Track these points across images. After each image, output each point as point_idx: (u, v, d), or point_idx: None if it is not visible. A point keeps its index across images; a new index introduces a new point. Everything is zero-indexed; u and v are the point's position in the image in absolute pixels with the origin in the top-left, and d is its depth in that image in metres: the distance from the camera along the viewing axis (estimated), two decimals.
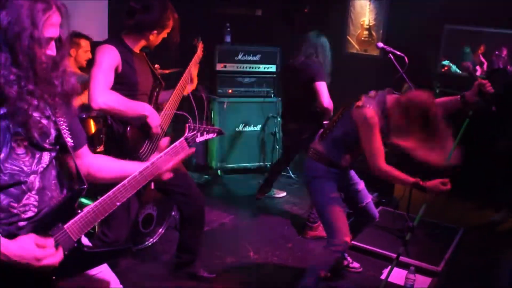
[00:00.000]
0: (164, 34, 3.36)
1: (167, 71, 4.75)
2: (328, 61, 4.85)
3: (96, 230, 3.71)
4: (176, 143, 2.24)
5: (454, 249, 4.53)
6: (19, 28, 1.70)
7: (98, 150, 4.01)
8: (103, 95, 3.02)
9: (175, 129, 3.41)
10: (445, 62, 3.22)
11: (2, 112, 1.75)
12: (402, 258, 4.01)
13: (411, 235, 3.44)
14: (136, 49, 3.31)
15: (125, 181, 2.03)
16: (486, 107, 3.23)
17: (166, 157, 2.15)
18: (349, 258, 4.18)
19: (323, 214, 3.46)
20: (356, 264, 4.18)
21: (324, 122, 4.76)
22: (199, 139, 2.36)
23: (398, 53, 4.11)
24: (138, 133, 3.24)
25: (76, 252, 1.91)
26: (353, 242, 4.26)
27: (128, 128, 3.20)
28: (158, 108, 3.37)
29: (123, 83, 3.19)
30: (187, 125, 2.33)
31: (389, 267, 3.48)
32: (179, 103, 3.48)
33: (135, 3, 3.21)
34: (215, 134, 2.45)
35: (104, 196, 1.98)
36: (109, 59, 3.11)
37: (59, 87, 1.87)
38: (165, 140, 2.23)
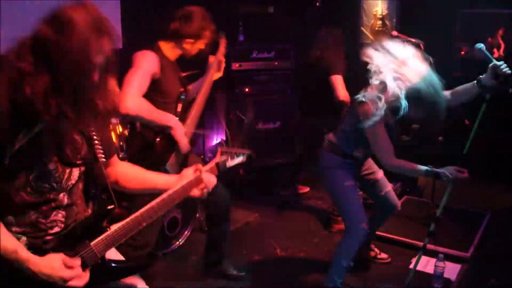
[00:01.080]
0: (200, 45, 3.40)
1: (184, 74, 4.76)
2: (342, 56, 4.84)
3: None
4: (207, 166, 2.26)
5: (483, 234, 4.48)
6: (67, 52, 1.62)
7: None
8: (134, 100, 3.05)
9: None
10: (479, 46, 3.14)
11: (38, 129, 1.73)
12: (430, 246, 4.01)
13: (435, 225, 3.40)
14: (172, 58, 3.37)
15: (153, 203, 2.03)
16: (503, 89, 3.17)
17: (196, 181, 2.15)
18: (376, 249, 4.15)
19: (338, 203, 3.49)
20: (383, 255, 4.16)
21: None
22: (229, 163, 2.38)
23: (413, 40, 4.06)
24: (167, 144, 3.26)
25: (100, 268, 1.92)
26: (379, 232, 4.26)
27: (158, 139, 3.23)
28: (183, 116, 3.39)
29: (159, 91, 3.23)
30: (219, 149, 2.35)
31: (417, 256, 3.46)
32: (207, 96, 3.52)
33: (176, 11, 3.29)
34: (245, 159, 2.46)
35: (132, 216, 1.98)
36: (148, 65, 3.16)
37: (101, 106, 1.83)
38: (197, 160, 2.21)
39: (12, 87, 1.65)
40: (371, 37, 7.03)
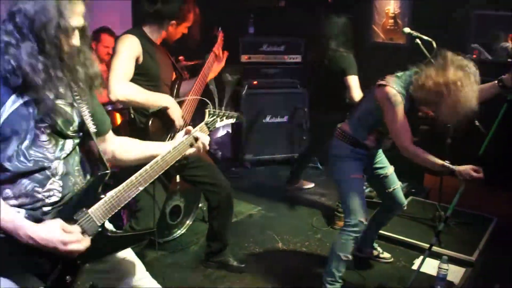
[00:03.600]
0: (183, 28, 3.38)
1: (191, 63, 4.74)
2: (351, 43, 4.80)
3: (124, 223, 3.72)
4: (197, 127, 2.26)
5: (488, 239, 4.43)
6: (46, 18, 1.73)
7: None
8: (122, 86, 3.02)
9: (194, 119, 3.40)
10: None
11: (26, 99, 1.78)
12: (435, 248, 3.95)
13: (444, 225, 3.36)
14: (157, 41, 3.32)
15: (147, 166, 2.06)
16: None
17: (188, 141, 2.18)
18: (379, 248, 4.11)
19: (341, 193, 3.44)
20: (386, 254, 4.11)
21: None
22: (219, 124, 2.39)
23: (426, 37, 4.01)
24: (161, 125, 3.23)
25: (100, 237, 1.93)
26: (383, 232, 4.22)
27: (150, 121, 3.20)
28: (179, 99, 3.37)
29: (144, 74, 3.19)
30: (206, 110, 2.36)
31: (421, 257, 3.41)
32: (201, 93, 3.46)
33: None
34: (234, 120, 2.47)
35: (127, 181, 2.00)
36: (129, 49, 3.12)
37: (82, 73, 1.91)
38: (188, 128, 2.22)
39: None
40: (382, 35, 6.97)
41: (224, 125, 2.47)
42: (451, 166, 3.03)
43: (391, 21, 6.89)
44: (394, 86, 3.10)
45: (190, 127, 2.22)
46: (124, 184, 1.99)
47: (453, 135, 4.52)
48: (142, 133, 3.19)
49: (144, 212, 3.35)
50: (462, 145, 4.15)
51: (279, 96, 6.39)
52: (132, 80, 3.09)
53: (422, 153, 3.11)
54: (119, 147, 2.23)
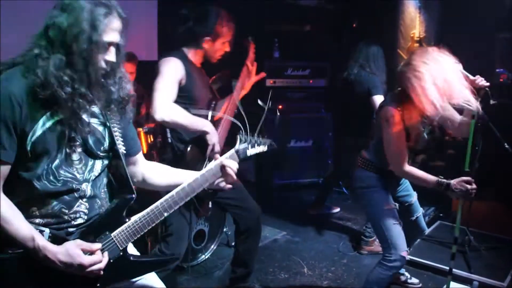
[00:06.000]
0: (221, 45, 3.37)
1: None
2: (382, 70, 4.76)
3: (149, 246, 3.71)
4: (226, 154, 2.20)
5: None
6: (77, 30, 1.71)
7: None
8: (167, 107, 3.05)
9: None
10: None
11: (59, 118, 1.77)
12: (464, 274, 3.94)
13: (457, 247, 3.30)
14: (197, 63, 3.36)
15: (173, 192, 2.03)
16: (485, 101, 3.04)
17: (216, 169, 2.12)
18: (407, 274, 4.02)
19: (377, 227, 3.31)
20: (414, 280, 4.02)
21: None
22: (250, 151, 2.29)
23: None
24: (198, 152, 3.24)
25: (121, 261, 1.92)
26: (411, 256, 4.13)
27: (189, 147, 3.22)
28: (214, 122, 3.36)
29: (184, 97, 3.22)
30: (238, 136, 2.29)
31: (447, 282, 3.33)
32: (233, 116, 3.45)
33: (188, 11, 3.29)
34: (266, 147, 2.38)
35: (152, 206, 1.99)
36: (174, 72, 3.16)
37: (115, 93, 1.89)
38: (216, 155, 2.19)
39: (29, 74, 1.73)
40: None
41: (256, 153, 2.35)
42: (445, 181, 2.98)
43: (417, 45, 6.85)
44: (392, 106, 3.05)
45: (218, 155, 2.19)
46: (149, 209, 1.97)
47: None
48: (178, 159, 3.21)
49: (175, 236, 3.33)
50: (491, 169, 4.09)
51: (303, 120, 6.38)
52: (175, 103, 3.13)
53: (417, 172, 3.07)
54: (150, 170, 2.22)
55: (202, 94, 3.35)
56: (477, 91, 2.98)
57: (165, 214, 2.00)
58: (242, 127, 2.39)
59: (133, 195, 1.98)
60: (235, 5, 3.43)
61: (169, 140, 3.31)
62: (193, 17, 3.27)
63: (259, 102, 4.78)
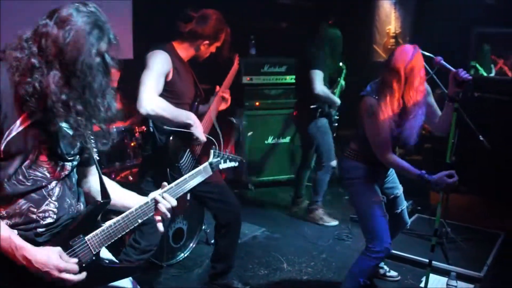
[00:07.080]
0: (213, 48, 3.41)
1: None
2: (337, 54, 4.83)
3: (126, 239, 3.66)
4: (200, 167, 2.30)
5: (496, 255, 4.36)
6: (76, 53, 1.70)
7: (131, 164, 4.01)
8: (153, 101, 3.05)
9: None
10: (439, 58, 3.16)
11: (34, 119, 1.75)
12: (442, 265, 3.98)
13: (436, 239, 3.35)
14: (186, 59, 3.37)
15: (148, 200, 2.05)
16: (468, 94, 3.12)
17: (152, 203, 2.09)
18: (385, 267, 4.05)
19: (363, 218, 3.35)
20: (393, 273, 4.05)
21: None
22: (222, 166, 2.48)
23: (427, 53, 4.00)
24: (180, 143, 3.25)
25: (94, 265, 1.89)
26: None
27: (171, 138, 3.21)
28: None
29: (170, 91, 3.23)
30: (211, 150, 2.42)
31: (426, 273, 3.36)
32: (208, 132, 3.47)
33: (193, 11, 3.30)
34: (237, 163, 2.57)
35: (127, 212, 1.99)
36: (161, 66, 3.16)
37: (103, 113, 1.88)
38: (163, 184, 2.17)
39: (20, 79, 1.71)
40: (383, 55, 6.99)
41: (226, 167, 2.52)
42: (426, 176, 3.00)
43: (392, 40, 6.92)
44: (371, 96, 3.10)
45: (165, 183, 2.16)
46: (124, 215, 1.97)
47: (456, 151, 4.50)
48: (161, 151, 3.24)
49: (150, 225, 3.29)
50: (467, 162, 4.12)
51: (281, 117, 6.37)
52: (160, 96, 3.13)
53: (401, 163, 3.10)
54: (94, 187, 2.15)
55: (187, 90, 3.36)
56: (459, 83, 3.04)
57: (139, 221, 2.02)
58: (216, 143, 2.70)
59: (109, 200, 1.97)
60: (211, 2, 3.43)
61: (151, 130, 3.31)
62: (196, 18, 3.28)
63: (232, 119, 4.85)
